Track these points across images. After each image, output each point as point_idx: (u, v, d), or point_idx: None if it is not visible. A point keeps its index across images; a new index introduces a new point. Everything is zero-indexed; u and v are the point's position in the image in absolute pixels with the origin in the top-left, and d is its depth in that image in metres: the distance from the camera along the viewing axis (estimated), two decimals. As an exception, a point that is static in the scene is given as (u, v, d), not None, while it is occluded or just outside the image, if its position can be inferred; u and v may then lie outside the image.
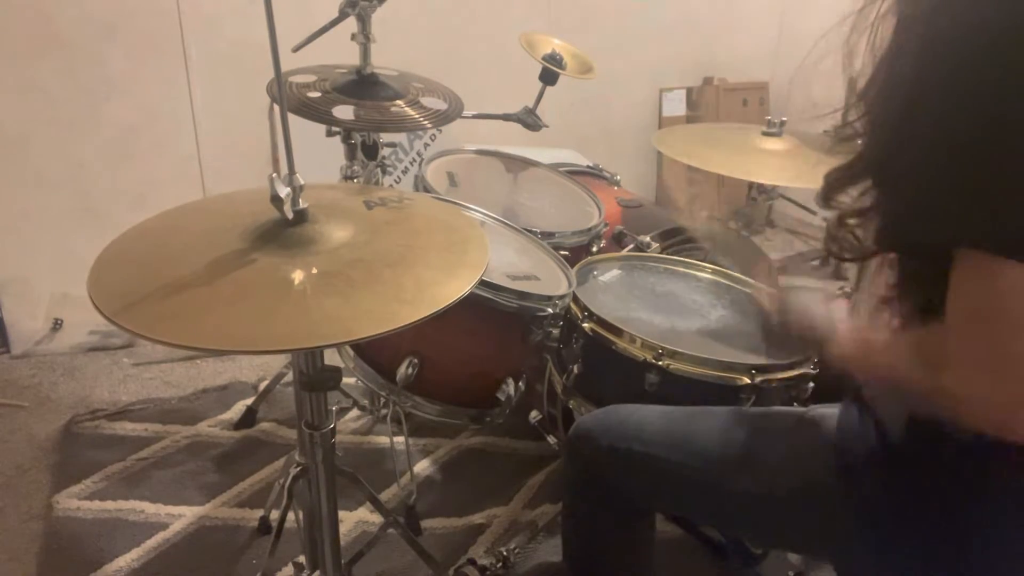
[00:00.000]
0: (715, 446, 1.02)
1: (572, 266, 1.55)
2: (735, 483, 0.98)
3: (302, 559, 1.35)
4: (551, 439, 1.71)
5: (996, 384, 0.63)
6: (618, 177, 2.24)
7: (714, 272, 1.66)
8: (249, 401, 2.01)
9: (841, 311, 0.93)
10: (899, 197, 0.69)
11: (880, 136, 0.71)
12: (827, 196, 0.81)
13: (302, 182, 0.96)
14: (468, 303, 0.94)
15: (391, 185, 2.55)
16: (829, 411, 0.97)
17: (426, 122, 1.59)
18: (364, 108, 1.55)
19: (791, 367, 1.33)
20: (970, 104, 0.60)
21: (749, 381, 1.29)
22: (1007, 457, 0.73)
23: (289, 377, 2.03)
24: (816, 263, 3.10)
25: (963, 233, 0.61)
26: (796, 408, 1.10)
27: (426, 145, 2.67)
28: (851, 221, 0.78)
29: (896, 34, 0.65)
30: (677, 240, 1.87)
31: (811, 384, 1.36)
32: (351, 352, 1.48)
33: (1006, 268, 0.59)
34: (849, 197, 0.79)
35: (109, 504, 1.70)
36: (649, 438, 1.07)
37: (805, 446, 0.95)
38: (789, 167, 1.68)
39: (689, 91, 3.26)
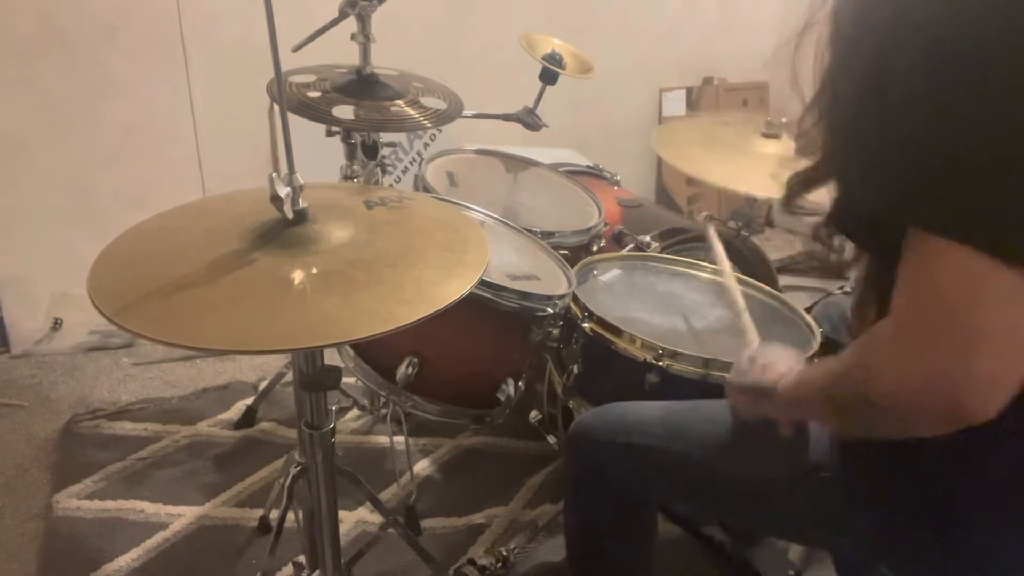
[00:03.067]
0: (715, 433, 1.03)
1: (572, 266, 1.55)
2: (735, 468, 0.99)
3: (302, 559, 1.36)
4: (551, 439, 1.71)
5: (920, 355, 0.65)
6: (618, 177, 2.24)
7: (714, 272, 1.66)
8: (249, 401, 2.01)
9: (776, 362, 0.96)
10: (854, 185, 0.72)
11: (836, 137, 0.74)
12: (788, 201, 0.84)
13: (302, 182, 0.96)
14: (468, 303, 0.94)
15: (391, 185, 2.55)
16: None
17: (426, 122, 1.59)
18: (364, 108, 1.55)
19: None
20: (915, 102, 0.62)
21: (749, 381, 1.29)
22: (996, 439, 0.74)
23: (289, 377, 2.03)
24: (816, 263, 3.10)
25: (909, 214, 0.64)
26: None
27: (426, 145, 2.67)
28: (824, 232, 0.80)
29: (836, 43, 0.69)
30: (677, 240, 1.87)
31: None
32: (351, 352, 1.48)
33: (943, 247, 0.62)
34: (822, 198, 0.81)
35: (109, 504, 1.70)
36: (649, 430, 1.07)
37: (804, 430, 0.96)
38: (789, 172, 1.68)
39: (689, 91, 3.26)
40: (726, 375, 1.28)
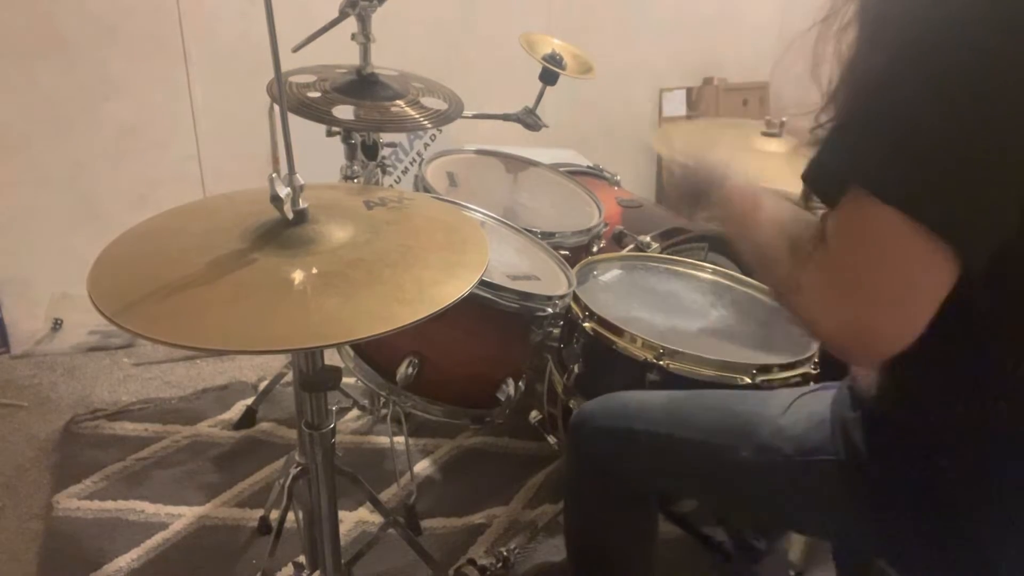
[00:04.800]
0: (716, 420, 1.03)
1: (572, 266, 1.55)
2: (736, 454, 0.99)
3: (302, 559, 1.36)
4: (551, 439, 1.71)
5: (839, 303, 0.71)
6: (618, 177, 2.24)
7: (714, 272, 1.66)
8: (249, 401, 2.01)
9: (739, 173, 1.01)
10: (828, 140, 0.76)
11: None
12: (808, 195, 0.85)
13: (302, 182, 0.96)
14: (468, 303, 0.94)
15: (391, 185, 2.54)
16: (830, 388, 0.99)
17: (426, 122, 1.59)
18: (364, 108, 1.55)
19: (792, 367, 1.33)
20: (931, 95, 0.65)
21: (749, 381, 1.29)
22: (992, 425, 0.77)
23: (289, 377, 2.03)
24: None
25: (853, 173, 0.69)
26: (799, 387, 1.12)
27: (426, 145, 2.67)
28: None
29: (861, 38, 0.71)
30: (677, 240, 1.87)
31: (812, 384, 1.36)
32: (351, 352, 1.47)
33: (882, 208, 0.66)
34: None
35: (109, 504, 1.70)
36: (650, 416, 1.07)
37: (804, 417, 0.97)
38: (789, 173, 1.67)
39: (689, 91, 3.26)
40: (726, 374, 1.30)
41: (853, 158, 0.69)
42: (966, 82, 0.63)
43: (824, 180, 0.74)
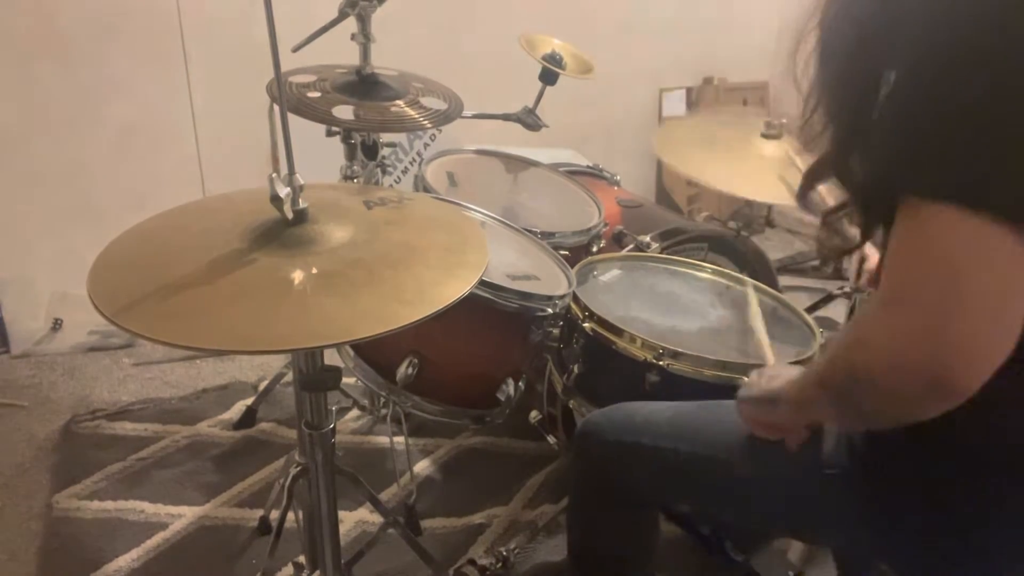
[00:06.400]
0: (723, 433, 1.03)
1: (572, 266, 1.55)
2: (743, 467, 0.99)
3: (302, 559, 1.36)
4: (551, 439, 1.71)
5: (905, 315, 0.65)
6: (618, 177, 2.24)
7: (714, 272, 1.66)
8: (249, 401, 2.01)
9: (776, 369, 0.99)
10: (859, 161, 0.75)
11: (839, 118, 0.76)
12: (804, 192, 0.86)
13: (302, 182, 0.96)
14: (468, 303, 0.94)
15: (391, 185, 2.55)
16: None
17: (426, 122, 1.59)
18: (364, 108, 1.55)
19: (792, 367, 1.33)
20: (912, 75, 0.65)
21: (749, 381, 1.29)
22: (996, 441, 0.76)
23: (289, 377, 2.02)
24: (816, 263, 3.11)
25: (904, 181, 0.66)
26: None
27: (426, 145, 2.67)
28: (832, 218, 0.83)
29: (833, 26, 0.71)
30: (677, 240, 1.87)
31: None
32: (351, 352, 1.47)
33: (920, 205, 0.64)
34: (832, 197, 0.83)
35: (109, 504, 1.70)
36: (657, 430, 1.07)
37: (812, 429, 0.96)
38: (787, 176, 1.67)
39: (689, 91, 3.26)
40: (726, 375, 1.30)
41: (897, 169, 0.66)
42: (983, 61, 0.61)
43: (866, 198, 0.73)
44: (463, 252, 1.02)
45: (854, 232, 0.82)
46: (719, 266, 1.68)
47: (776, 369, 1.02)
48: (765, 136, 1.78)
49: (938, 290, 0.63)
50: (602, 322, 1.38)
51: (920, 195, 0.64)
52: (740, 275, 1.64)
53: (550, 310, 1.42)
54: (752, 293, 1.48)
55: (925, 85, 0.64)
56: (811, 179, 0.85)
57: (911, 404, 0.68)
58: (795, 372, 0.96)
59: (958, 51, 0.62)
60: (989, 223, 0.60)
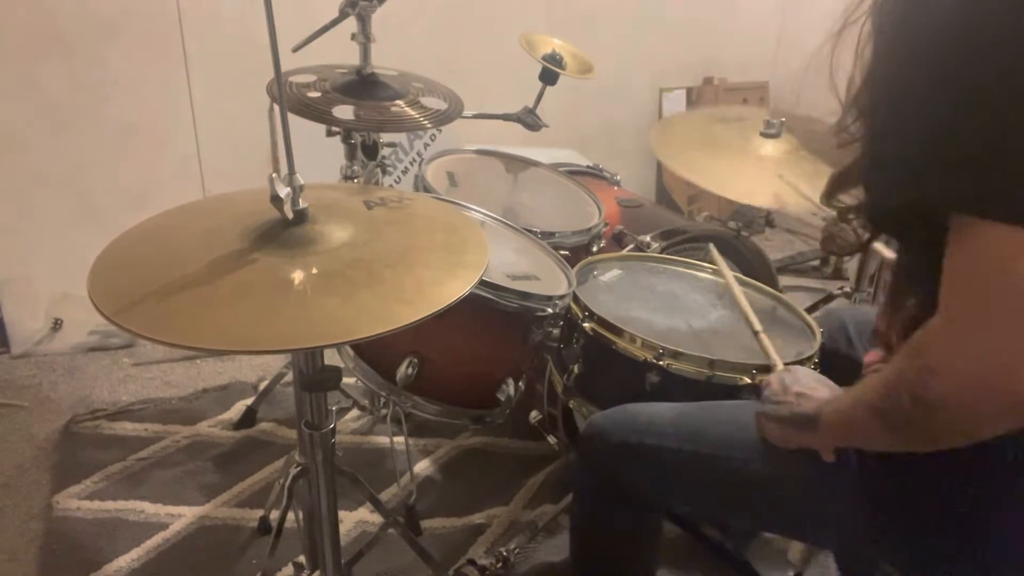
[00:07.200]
0: (726, 433, 1.03)
1: (572, 266, 1.55)
2: (746, 466, 0.99)
3: (302, 559, 1.36)
4: (551, 439, 1.71)
5: (976, 339, 0.65)
6: (618, 177, 2.24)
7: (714, 272, 1.66)
8: (249, 401, 2.01)
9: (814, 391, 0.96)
10: (892, 175, 0.73)
11: (875, 131, 0.75)
12: (830, 195, 0.85)
13: (302, 182, 0.96)
14: (468, 303, 0.94)
15: (391, 185, 2.55)
16: None
17: (426, 122, 1.59)
18: (364, 108, 1.55)
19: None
20: (951, 87, 0.64)
21: (749, 381, 1.29)
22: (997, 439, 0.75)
23: (289, 377, 2.03)
24: (816, 263, 3.11)
25: (953, 200, 0.65)
26: None
27: (426, 145, 2.67)
28: (851, 216, 0.82)
29: (877, 42, 0.70)
30: (677, 240, 1.87)
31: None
32: (351, 352, 1.47)
33: (987, 228, 0.63)
34: (850, 196, 0.83)
35: (109, 504, 1.70)
36: (661, 431, 1.07)
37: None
38: (788, 175, 1.67)
39: (689, 91, 3.26)
40: (727, 375, 1.30)
41: (951, 187, 0.65)
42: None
43: (893, 216, 0.72)
44: (463, 252, 1.02)
45: (863, 232, 0.82)
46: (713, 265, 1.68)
47: (801, 380, 0.99)
48: (764, 135, 1.78)
49: (1013, 312, 0.63)
50: (602, 322, 1.38)
51: (982, 215, 0.63)
52: (739, 274, 1.64)
53: (550, 310, 1.42)
54: (714, 251, 1.48)
55: (992, 104, 0.63)
56: (838, 184, 0.84)
57: (992, 424, 0.68)
58: (826, 392, 0.95)
59: None
60: None
